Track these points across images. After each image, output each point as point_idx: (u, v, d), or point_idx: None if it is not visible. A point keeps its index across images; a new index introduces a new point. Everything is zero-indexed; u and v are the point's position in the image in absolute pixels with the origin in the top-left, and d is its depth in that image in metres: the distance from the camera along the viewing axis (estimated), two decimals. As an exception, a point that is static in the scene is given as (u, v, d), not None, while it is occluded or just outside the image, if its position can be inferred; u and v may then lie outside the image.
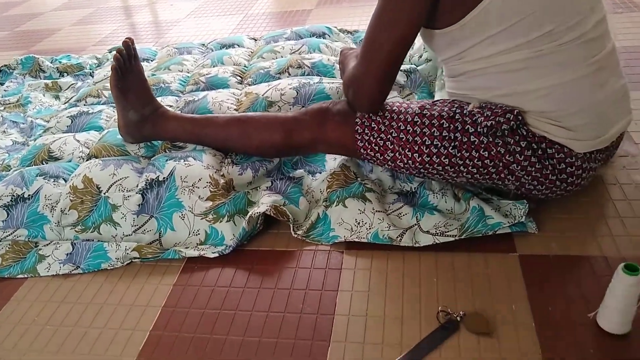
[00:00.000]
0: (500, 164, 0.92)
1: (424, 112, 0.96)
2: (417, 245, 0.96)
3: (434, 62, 1.32)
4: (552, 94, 0.88)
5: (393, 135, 0.98)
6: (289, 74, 1.48)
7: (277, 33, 1.83)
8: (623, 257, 0.90)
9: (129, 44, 1.17)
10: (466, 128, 0.92)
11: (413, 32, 0.92)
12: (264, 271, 0.98)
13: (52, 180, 1.18)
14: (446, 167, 0.95)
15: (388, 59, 0.94)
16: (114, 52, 1.18)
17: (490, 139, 0.90)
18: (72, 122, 1.45)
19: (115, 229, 1.10)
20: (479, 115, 0.91)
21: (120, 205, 1.10)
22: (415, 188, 1.09)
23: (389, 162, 1.02)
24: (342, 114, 1.04)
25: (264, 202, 1.06)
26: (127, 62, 1.18)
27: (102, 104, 1.55)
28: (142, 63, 1.78)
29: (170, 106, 1.43)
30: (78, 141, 1.33)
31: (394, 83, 1.00)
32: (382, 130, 0.99)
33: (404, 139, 0.97)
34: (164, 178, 1.11)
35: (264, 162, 1.19)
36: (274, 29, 2.18)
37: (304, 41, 1.66)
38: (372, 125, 1.01)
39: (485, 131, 0.90)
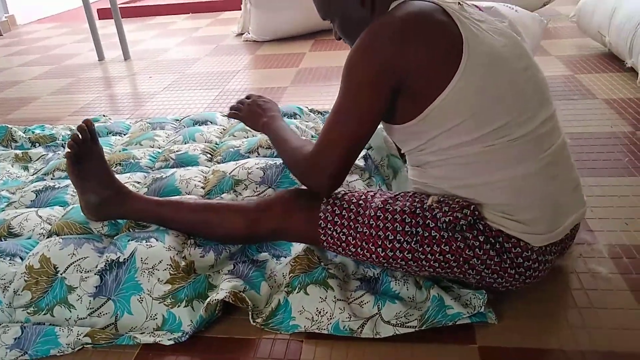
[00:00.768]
0: (461, 259, 0.93)
1: (387, 207, 0.98)
2: (378, 336, 0.95)
3: (379, 150, 1.38)
4: (506, 187, 0.91)
5: (357, 230, 1.00)
6: (258, 154, 1.51)
7: (250, 111, 1.88)
8: (581, 351, 0.90)
9: (84, 128, 1.16)
10: (427, 223, 0.94)
11: (369, 130, 0.96)
12: (220, 361, 0.95)
13: (8, 258, 1.15)
14: (409, 262, 0.96)
15: (342, 153, 0.96)
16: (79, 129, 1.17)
17: (450, 234, 0.92)
18: (36, 196, 1.44)
19: (70, 311, 1.06)
20: (438, 210, 0.93)
21: (77, 287, 1.07)
22: (377, 274, 1.09)
23: (352, 255, 1.03)
24: (306, 207, 1.06)
25: (224, 287, 1.04)
26: (82, 147, 1.16)
27: (69, 179, 1.54)
28: (114, 137, 1.80)
29: (138, 182, 1.43)
30: (40, 217, 1.31)
31: (346, 175, 1.01)
32: (345, 225, 1.01)
33: (367, 234, 0.98)
34: (124, 259, 1.09)
35: (227, 245, 1.19)
36: (248, 105, 2.24)
37: (275, 121, 1.71)
38: (336, 220, 1.02)
39: (444, 226, 0.92)
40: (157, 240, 1.13)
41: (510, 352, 0.91)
